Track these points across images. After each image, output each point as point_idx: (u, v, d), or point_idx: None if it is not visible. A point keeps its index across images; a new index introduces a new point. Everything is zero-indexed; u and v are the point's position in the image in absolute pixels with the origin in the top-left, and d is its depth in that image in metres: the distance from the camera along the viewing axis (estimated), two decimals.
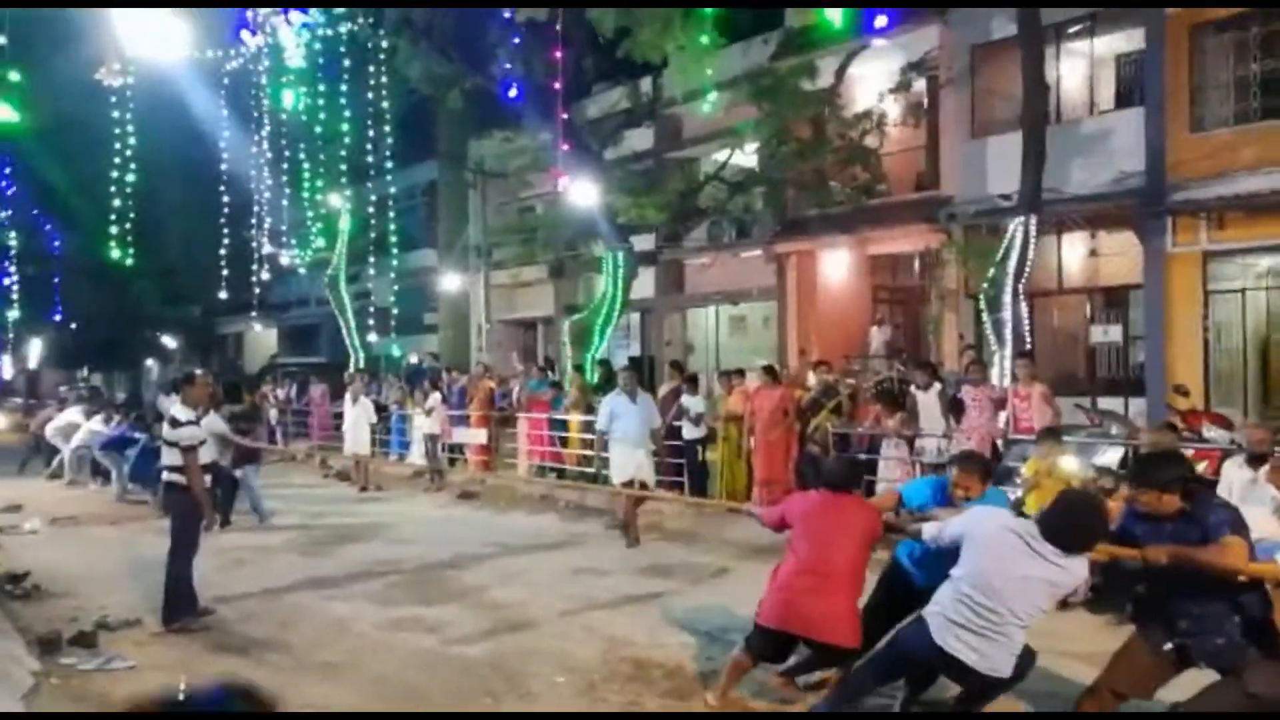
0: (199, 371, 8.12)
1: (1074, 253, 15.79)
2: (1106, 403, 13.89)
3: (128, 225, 16.35)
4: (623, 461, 9.73)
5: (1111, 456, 8.64)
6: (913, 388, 10.22)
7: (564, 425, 13.36)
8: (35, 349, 39.08)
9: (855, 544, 4.90)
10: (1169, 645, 3.96)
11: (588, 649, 6.16)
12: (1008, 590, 4.08)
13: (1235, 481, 6.26)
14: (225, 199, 19.83)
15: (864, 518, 5.05)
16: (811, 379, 12.23)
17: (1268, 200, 12.36)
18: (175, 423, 6.88)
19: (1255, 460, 6.02)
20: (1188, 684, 4.14)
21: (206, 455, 10.60)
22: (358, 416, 14.43)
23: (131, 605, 7.28)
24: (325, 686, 5.60)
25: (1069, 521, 4.10)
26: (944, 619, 4.21)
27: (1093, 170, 14.19)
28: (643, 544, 9.55)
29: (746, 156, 16.85)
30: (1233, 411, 12.12)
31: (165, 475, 7.01)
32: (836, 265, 18.69)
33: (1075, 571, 4.15)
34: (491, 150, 20.51)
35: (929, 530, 4.65)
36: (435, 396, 14.65)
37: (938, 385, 10.04)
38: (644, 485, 9.71)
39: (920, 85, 16.62)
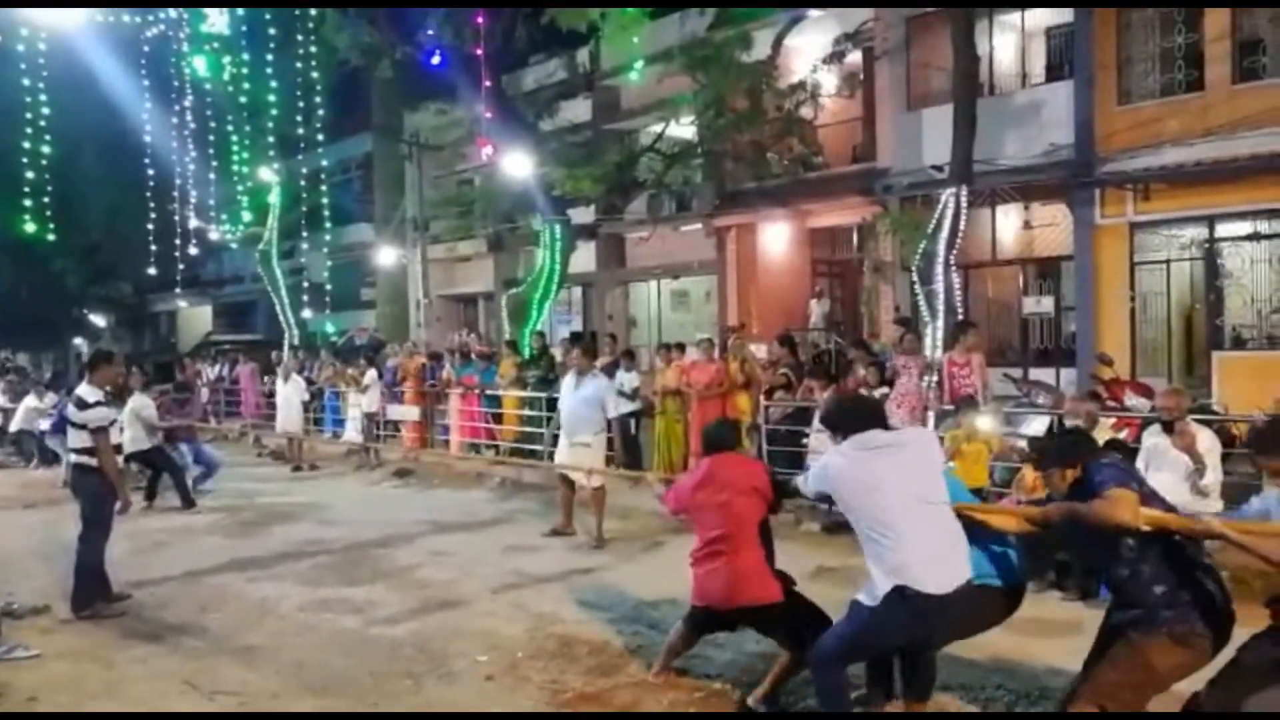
0: (113, 351, 7.84)
1: (1008, 224, 15.99)
2: (1039, 373, 14.13)
3: (44, 199, 15.64)
4: (559, 451, 9.00)
5: (1038, 426, 8.78)
6: (854, 378, 10.18)
7: (498, 401, 13.22)
8: None
9: (745, 498, 4.80)
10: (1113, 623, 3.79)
11: (514, 627, 6.09)
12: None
13: (1152, 449, 6.37)
14: (151, 173, 19.09)
15: (746, 471, 4.99)
16: (762, 351, 12.27)
17: (1191, 172, 12.62)
18: (83, 404, 6.63)
19: (1168, 426, 6.13)
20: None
21: (142, 439, 10.43)
22: (289, 394, 14.20)
23: (42, 591, 7.03)
24: (242, 671, 5.45)
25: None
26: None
27: (1025, 142, 14.35)
28: (575, 518, 9.40)
29: (684, 128, 16.74)
30: (1158, 380, 12.39)
31: (74, 457, 6.77)
32: (776, 238, 18.72)
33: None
34: (427, 122, 20.16)
35: (800, 482, 4.60)
36: (372, 373, 14.41)
37: (875, 369, 10.07)
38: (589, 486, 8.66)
39: (856, 57, 16.62)
